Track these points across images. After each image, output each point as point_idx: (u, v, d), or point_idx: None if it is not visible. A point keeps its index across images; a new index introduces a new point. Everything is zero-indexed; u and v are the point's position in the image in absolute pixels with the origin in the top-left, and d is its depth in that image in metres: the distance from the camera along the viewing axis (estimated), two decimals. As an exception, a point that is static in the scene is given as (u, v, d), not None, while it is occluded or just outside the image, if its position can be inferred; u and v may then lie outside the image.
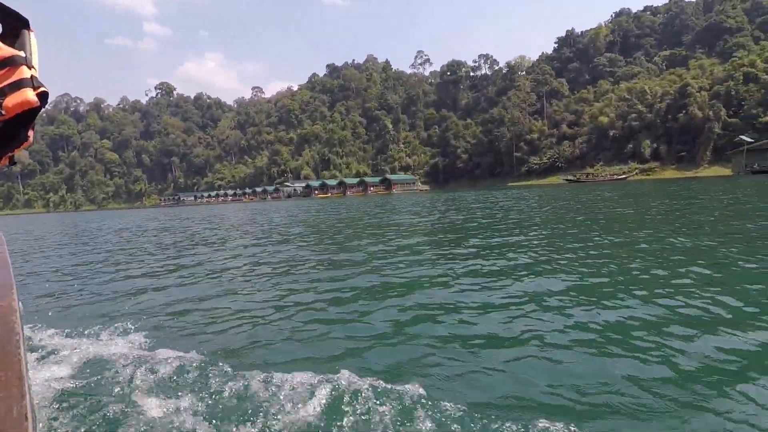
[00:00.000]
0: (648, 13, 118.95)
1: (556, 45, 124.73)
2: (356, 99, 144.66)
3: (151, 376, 2.99)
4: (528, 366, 3.16)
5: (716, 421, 2.37)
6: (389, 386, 2.73)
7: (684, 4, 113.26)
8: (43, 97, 1.17)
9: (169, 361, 3.23)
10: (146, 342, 3.89)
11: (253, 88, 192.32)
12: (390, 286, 5.86)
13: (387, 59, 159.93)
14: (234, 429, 2.39)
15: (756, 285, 4.83)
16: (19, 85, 1.13)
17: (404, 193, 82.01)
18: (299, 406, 2.54)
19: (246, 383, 2.83)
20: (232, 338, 4.14)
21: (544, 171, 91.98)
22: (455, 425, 2.35)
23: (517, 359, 3.29)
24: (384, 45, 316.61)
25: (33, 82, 1.15)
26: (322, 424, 2.40)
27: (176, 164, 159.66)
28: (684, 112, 74.51)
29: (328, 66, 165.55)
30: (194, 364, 3.17)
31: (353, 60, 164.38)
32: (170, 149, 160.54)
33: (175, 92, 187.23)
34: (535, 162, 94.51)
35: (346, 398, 2.61)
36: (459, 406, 2.50)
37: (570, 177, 78.41)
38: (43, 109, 1.21)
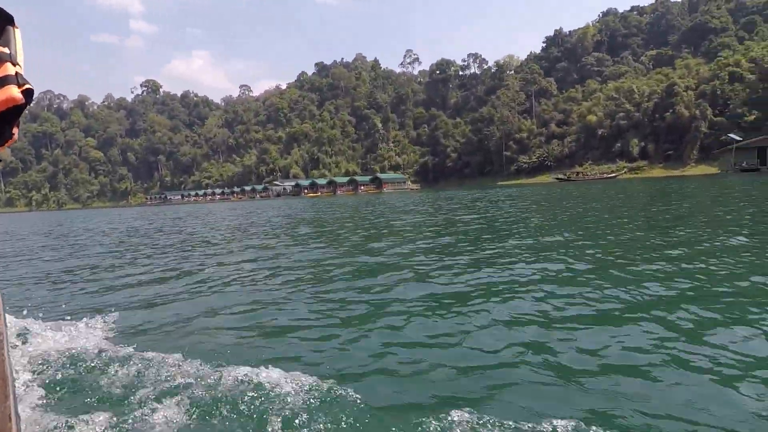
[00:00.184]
0: (635, 13, 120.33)
1: (544, 44, 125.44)
2: (345, 98, 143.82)
3: (136, 377, 3.00)
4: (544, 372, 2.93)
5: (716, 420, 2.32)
6: (390, 388, 2.72)
7: (670, 4, 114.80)
8: (28, 94, 1.14)
9: (152, 361, 3.20)
10: (133, 343, 3.77)
11: (241, 87, 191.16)
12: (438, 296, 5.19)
13: (376, 58, 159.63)
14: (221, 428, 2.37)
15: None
16: (3, 82, 1.10)
17: (395, 192, 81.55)
18: (283, 405, 2.53)
19: (230, 382, 2.81)
20: (227, 339, 3.97)
21: (533, 170, 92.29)
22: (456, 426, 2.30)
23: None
24: (373, 44, 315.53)
25: (18, 79, 1.12)
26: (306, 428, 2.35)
27: (163, 162, 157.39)
28: (671, 111, 75.37)
29: (317, 64, 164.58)
30: (178, 365, 3.13)
31: (342, 59, 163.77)
32: (156, 147, 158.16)
33: (161, 90, 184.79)
34: (524, 161, 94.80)
35: (331, 399, 2.60)
36: (459, 409, 2.41)
37: (561, 176, 78.67)
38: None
